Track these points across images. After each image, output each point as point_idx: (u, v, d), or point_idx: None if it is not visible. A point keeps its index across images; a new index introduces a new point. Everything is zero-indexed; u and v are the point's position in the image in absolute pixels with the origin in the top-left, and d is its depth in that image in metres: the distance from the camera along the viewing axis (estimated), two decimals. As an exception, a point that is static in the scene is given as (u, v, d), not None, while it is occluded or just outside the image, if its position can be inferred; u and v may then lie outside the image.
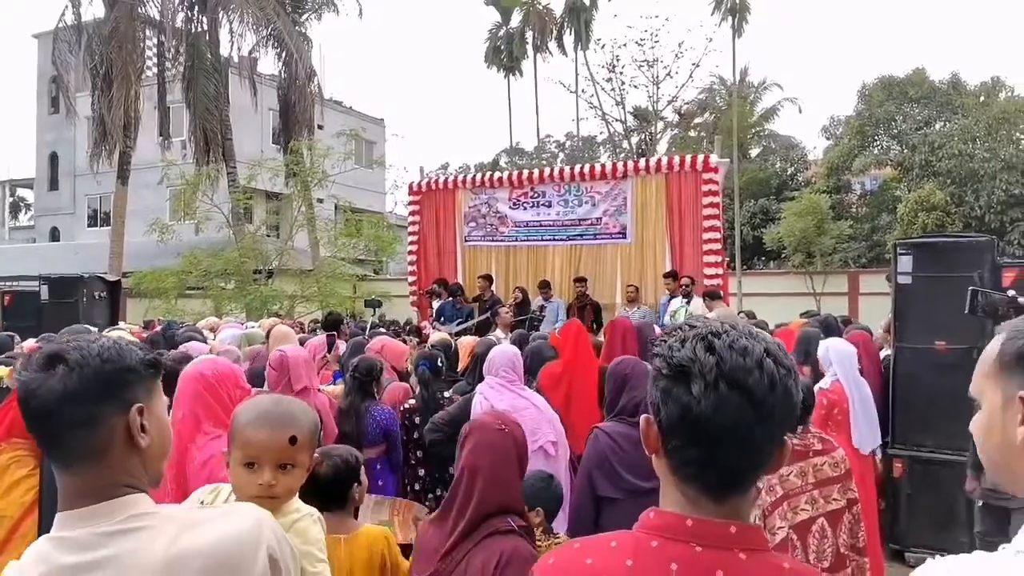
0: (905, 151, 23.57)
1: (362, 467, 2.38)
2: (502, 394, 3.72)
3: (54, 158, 30.01)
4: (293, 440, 1.72)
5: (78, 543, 1.11)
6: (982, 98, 23.69)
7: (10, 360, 4.23)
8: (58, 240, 29.22)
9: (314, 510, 1.82)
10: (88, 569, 1.09)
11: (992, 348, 1.06)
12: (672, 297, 9.47)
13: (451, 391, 4.50)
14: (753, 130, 31.86)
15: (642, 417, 1.09)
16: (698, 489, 1.05)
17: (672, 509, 1.06)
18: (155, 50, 20.70)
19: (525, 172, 12.23)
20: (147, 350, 1.27)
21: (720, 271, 10.32)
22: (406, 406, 4.30)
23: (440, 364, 4.51)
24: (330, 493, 2.22)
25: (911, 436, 5.56)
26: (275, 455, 1.70)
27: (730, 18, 26.23)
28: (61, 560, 1.10)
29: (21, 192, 39.13)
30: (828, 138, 27.67)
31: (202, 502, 1.82)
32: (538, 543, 2.40)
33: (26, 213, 39.28)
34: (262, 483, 1.68)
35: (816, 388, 4.47)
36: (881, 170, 24.82)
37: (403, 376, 4.96)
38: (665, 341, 1.07)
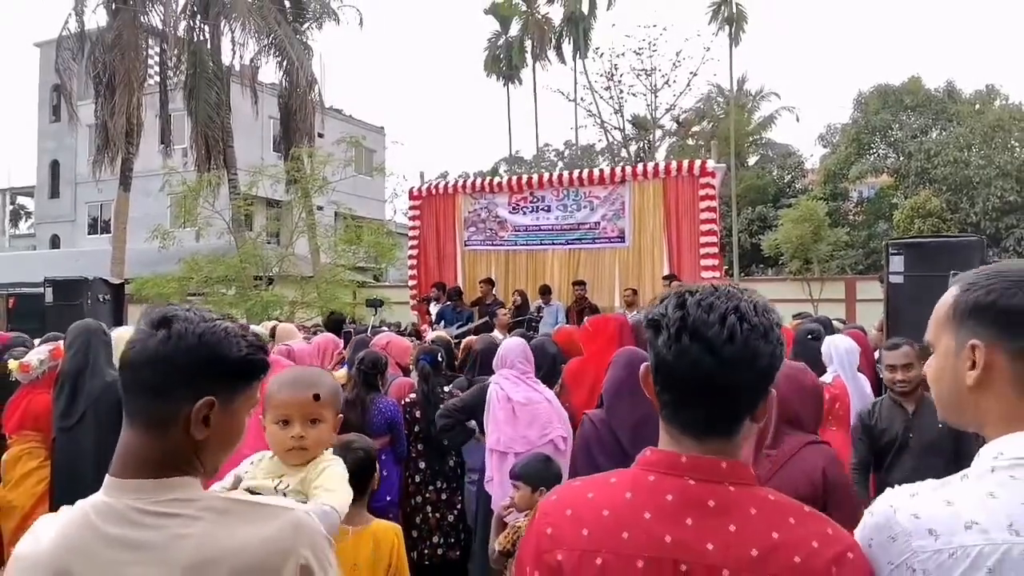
0: (901, 159, 23.77)
1: (375, 462, 2.50)
2: (518, 385, 3.77)
3: (55, 166, 30.13)
4: (317, 397, 1.95)
5: (121, 515, 1.14)
6: (977, 106, 23.93)
7: (19, 354, 4.32)
8: (58, 247, 29.29)
9: (340, 460, 2.03)
10: (125, 545, 1.12)
11: (947, 298, 1.15)
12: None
13: (450, 387, 4.59)
14: (751, 138, 32.08)
15: (643, 366, 1.20)
16: (679, 429, 1.15)
17: (666, 448, 1.16)
18: (157, 58, 20.87)
19: (524, 177, 12.37)
20: (256, 351, 1.24)
21: (717, 275, 10.43)
22: (407, 400, 4.38)
23: (440, 359, 4.60)
24: (355, 486, 2.25)
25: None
26: (302, 410, 1.94)
27: (727, 27, 26.48)
28: (103, 528, 1.13)
29: (22, 200, 39.25)
30: (825, 146, 27.89)
31: (251, 462, 2.02)
32: None
33: (27, 221, 39.39)
34: (293, 435, 1.92)
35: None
36: (877, 178, 25.00)
37: (407, 372, 5.05)
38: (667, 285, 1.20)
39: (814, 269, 20.55)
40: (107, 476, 1.19)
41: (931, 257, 5.75)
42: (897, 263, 5.82)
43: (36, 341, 4.79)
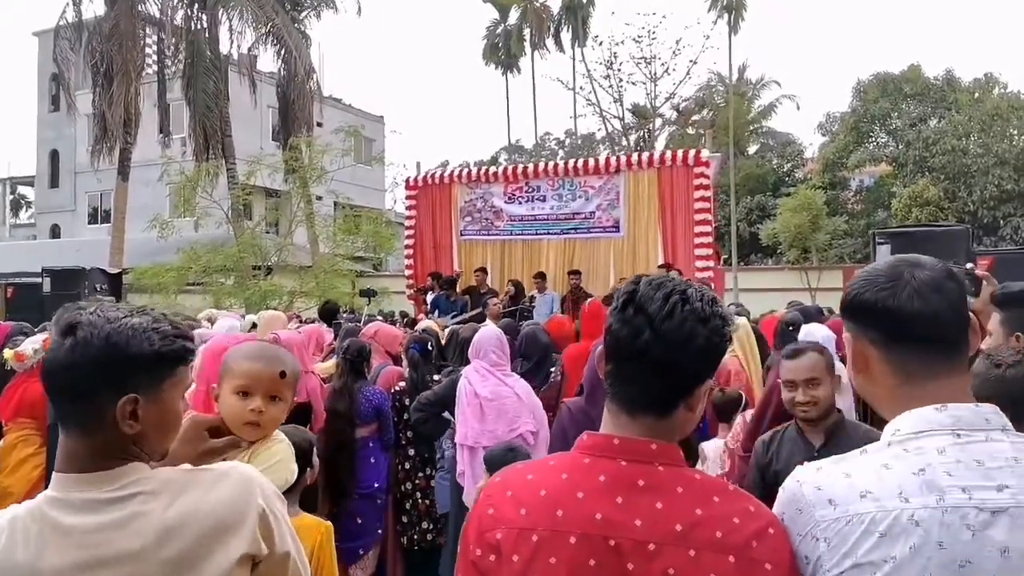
0: (900, 147, 23.74)
1: (314, 450, 2.39)
2: (486, 379, 3.79)
3: (55, 155, 30.16)
4: (283, 374, 1.90)
5: (77, 506, 1.17)
6: (976, 94, 23.86)
7: (15, 343, 4.40)
8: (59, 237, 29.35)
9: (288, 441, 1.99)
10: (92, 531, 1.15)
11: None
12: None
13: (440, 375, 4.65)
14: (751, 127, 32.00)
15: (597, 349, 1.28)
16: (617, 404, 1.21)
17: (605, 427, 1.23)
18: (155, 47, 20.86)
19: (520, 167, 12.39)
20: (171, 341, 1.25)
21: (712, 264, 10.47)
22: (396, 388, 4.44)
23: (430, 348, 4.66)
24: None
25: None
26: (267, 385, 1.88)
27: (726, 15, 26.37)
28: (61, 520, 1.16)
29: (22, 190, 39.28)
30: (824, 135, 27.83)
31: None
32: None
33: (27, 211, 39.44)
34: (253, 408, 1.85)
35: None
36: (876, 166, 24.97)
37: (397, 360, 5.11)
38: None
39: (812, 258, 20.59)
40: (54, 473, 1.22)
41: (918, 246, 5.81)
42: (884, 252, 5.91)
43: (36, 330, 4.87)
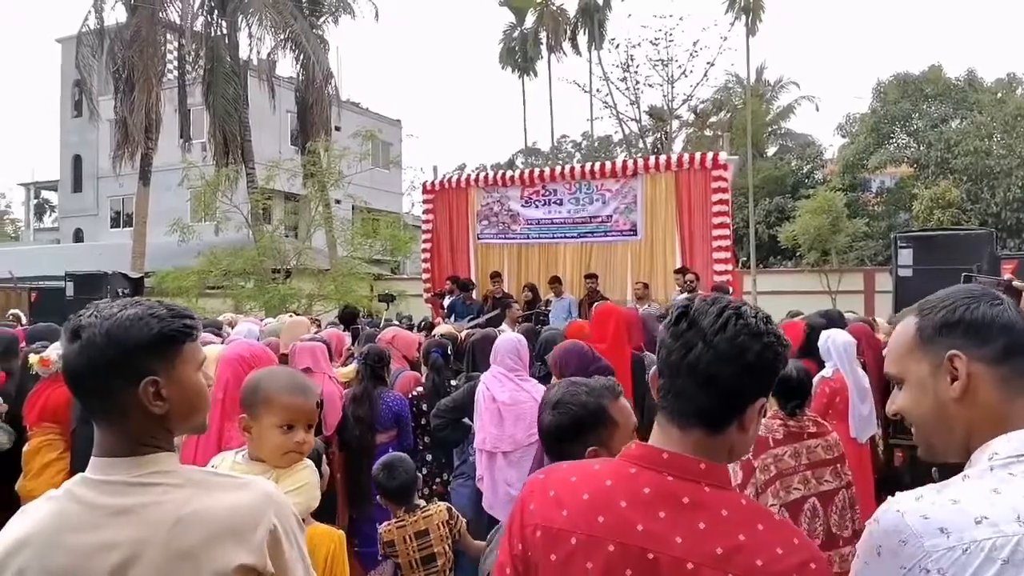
0: (921, 148, 23.46)
1: (323, 457, 2.44)
2: (504, 384, 3.80)
3: (77, 160, 30.55)
4: (319, 404, 2.03)
5: (106, 488, 1.24)
6: (999, 95, 23.52)
7: (41, 348, 4.46)
8: (82, 241, 29.72)
9: (313, 465, 2.05)
10: (112, 512, 1.22)
11: (907, 328, 1.21)
12: (682, 293, 9.58)
13: (456, 380, 4.66)
14: (769, 128, 31.76)
15: (652, 369, 1.29)
16: (667, 418, 1.21)
17: (654, 441, 1.22)
18: (175, 54, 21.06)
19: (537, 170, 12.39)
20: (169, 322, 1.30)
21: (730, 267, 10.42)
22: (414, 393, 4.46)
23: (449, 353, 4.67)
24: None
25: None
26: (308, 417, 1.98)
27: (744, 17, 26.18)
28: (92, 500, 1.24)
29: (46, 194, 39.78)
30: (844, 136, 27.56)
31: (213, 467, 1.99)
32: None
33: (50, 215, 39.94)
34: (299, 441, 1.94)
35: (818, 377, 4.59)
36: (897, 168, 24.69)
37: (414, 366, 5.13)
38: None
39: (832, 260, 20.38)
40: (91, 458, 1.30)
41: (940, 250, 5.76)
42: (906, 256, 5.85)
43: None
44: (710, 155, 10.84)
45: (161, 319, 1.30)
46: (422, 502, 3.15)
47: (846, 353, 4.59)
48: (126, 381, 1.26)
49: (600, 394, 1.84)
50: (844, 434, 4.12)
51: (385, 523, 3.10)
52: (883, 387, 5.66)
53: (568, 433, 1.79)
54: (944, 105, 23.73)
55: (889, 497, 1.12)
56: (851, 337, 4.81)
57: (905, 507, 1.07)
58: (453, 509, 3.19)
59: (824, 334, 4.79)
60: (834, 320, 6.25)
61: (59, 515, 1.25)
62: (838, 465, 3.38)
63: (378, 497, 3.16)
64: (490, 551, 1.86)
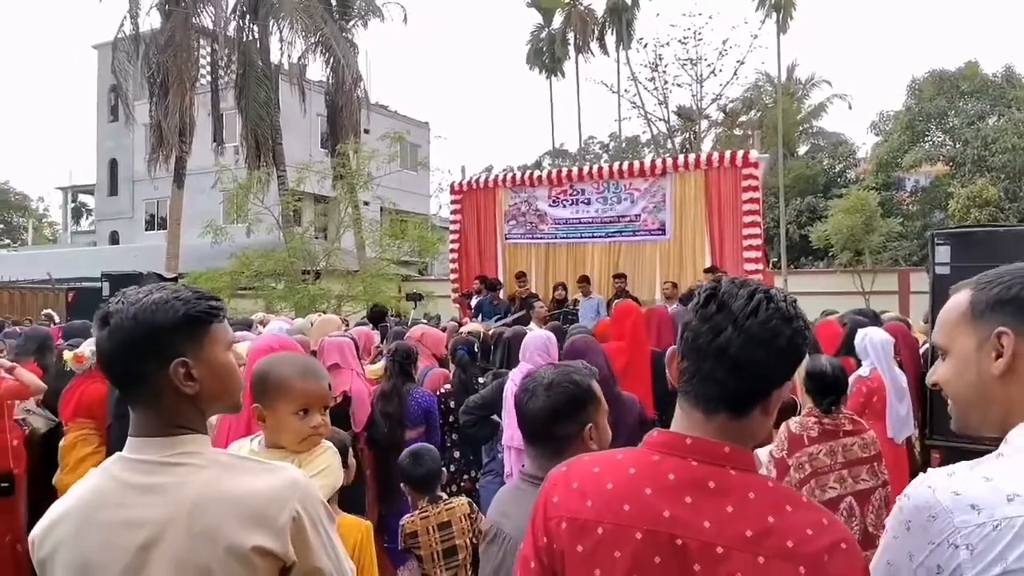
0: (957, 146, 23.01)
1: (350, 450, 2.45)
2: None
3: (114, 164, 31.18)
4: (330, 386, 2.02)
5: (138, 467, 1.28)
6: (1038, 90, 22.96)
7: (75, 344, 4.55)
8: (118, 243, 30.31)
9: (332, 446, 2.06)
10: (141, 491, 1.26)
11: (960, 300, 1.21)
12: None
13: (485, 377, 4.66)
14: (800, 127, 31.39)
15: (669, 350, 1.27)
16: (691, 402, 1.18)
17: (676, 426, 1.20)
18: (209, 58, 21.42)
19: (564, 170, 12.37)
20: (194, 303, 1.32)
21: (760, 267, 10.28)
22: (442, 390, 4.46)
23: (476, 350, 4.67)
24: None
25: (948, 427, 5.51)
26: (322, 400, 1.99)
27: (775, 14, 25.88)
28: (126, 478, 1.29)
29: (83, 198, 40.64)
30: (877, 134, 27.12)
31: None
32: None
33: (87, 218, 40.76)
34: (315, 425, 1.95)
35: (855, 376, 4.51)
36: (932, 166, 24.22)
37: (443, 363, 5.13)
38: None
39: (866, 261, 20.05)
40: (128, 438, 1.33)
41: (979, 248, 5.59)
42: (943, 254, 5.69)
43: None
44: (740, 153, 10.72)
45: (187, 301, 1.32)
46: (444, 495, 3.17)
47: (883, 352, 4.51)
48: (156, 363, 1.28)
49: (584, 373, 1.90)
50: (881, 434, 4.03)
51: (408, 515, 3.12)
52: (920, 387, 5.55)
53: (564, 413, 1.80)
54: (981, 102, 23.25)
55: (921, 474, 1.12)
56: (888, 336, 4.71)
57: (937, 483, 1.07)
58: (474, 504, 3.22)
59: (861, 332, 4.71)
60: (870, 319, 6.15)
61: (95, 492, 1.30)
62: (875, 464, 3.31)
63: (403, 486, 3.18)
64: (488, 544, 1.84)
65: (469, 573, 3.05)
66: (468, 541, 3.04)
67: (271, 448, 1.96)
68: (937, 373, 1.23)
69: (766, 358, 1.13)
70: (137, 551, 1.24)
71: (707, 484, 1.12)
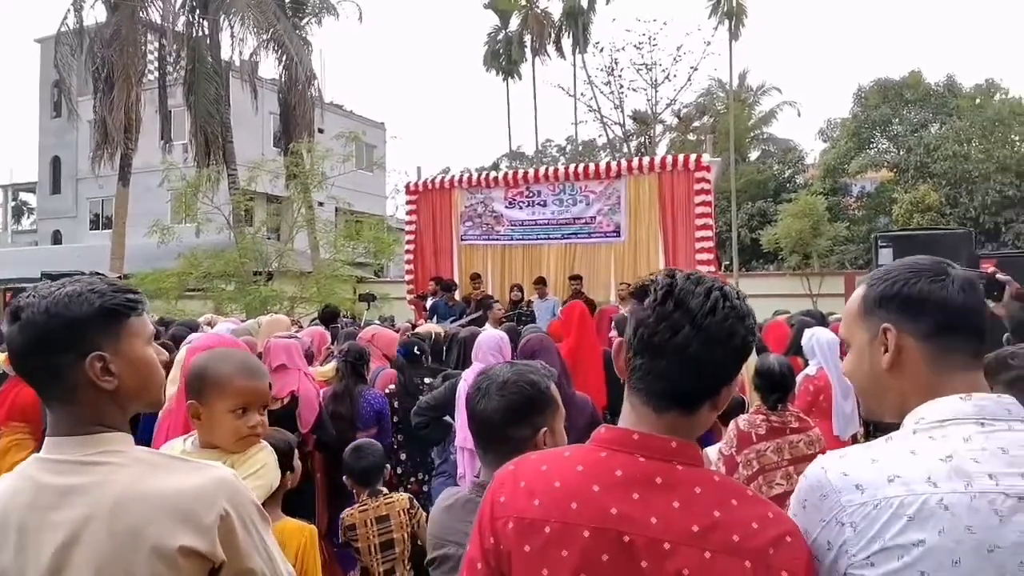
0: (901, 153, 23.74)
1: (295, 453, 2.42)
2: None
3: (56, 162, 30.20)
4: (270, 386, 1.98)
5: (57, 468, 1.23)
6: (978, 100, 23.84)
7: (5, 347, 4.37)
8: (60, 243, 29.38)
9: (269, 446, 2.01)
10: (59, 492, 1.21)
11: (856, 296, 1.27)
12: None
13: (436, 379, 4.61)
14: (751, 133, 32.04)
15: (616, 341, 1.24)
16: (643, 400, 1.17)
17: (624, 422, 1.19)
18: (156, 54, 20.90)
19: (520, 171, 12.39)
20: (110, 296, 1.28)
21: (712, 269, 10.43)
22: (387, 390, 4.41)
23: (417, 352, 4.62)
24: None
25: (890, 426, 5.67)
26: (262, 399, 1.93)
27: (727, 22, 26.39)
28: (42, 479, 1.23)
29: (24, 196, 39.32)
30: (825, 141, 27.83)
31: None
32: None
33: (29, 217, 39.46)
34: (253, 425, 1.89)
35: (802, 375, 4.60)
36: (877, 172, 24.96)
37: (394, 364, 5.07)
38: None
39: (813, 264, 20.53)
40: (45, 438, 1.27)
41: (920, 250, 5.71)
42: (886, 255, 5.89)
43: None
44: (693, 157, 10.88)
45: (102, 294, 1.27)
46: (385, 490, 3.19)
47: (830, 351, 4.60)
48: (71, 357, 1.23)
49: (543, 374, 1.83)
50: (827, 432, 4.12)
51: (348, 508, 3.13)
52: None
53: (517, 415, 1.73)
54: (924, 110, 24.03)
55: (819, 455, 1.19)
56: (835, 335, 4.81)
57: (829, 465, 1.13)
58: (415, 500, 3.23)
59: (808, 332, 4.80)
60: (817, 320, 6.29)
61: (10, 494, 1.24)
62: (821, 460, 3.37)
63: (345, 479, 3.20)
64: (439, 566, 1.78)
65: (406, 567, 3.07)
66: (405, 535, 3.07)
67: (205, 448, 1.90)
68: (844, 365, 1.31)
69: (723, 357, 1.14)
70: (55, 553, 1.19)
71: (654, 480, 1.12)
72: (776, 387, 3.34)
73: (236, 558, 1.24)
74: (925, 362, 1.17)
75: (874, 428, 5.74)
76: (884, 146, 24.89)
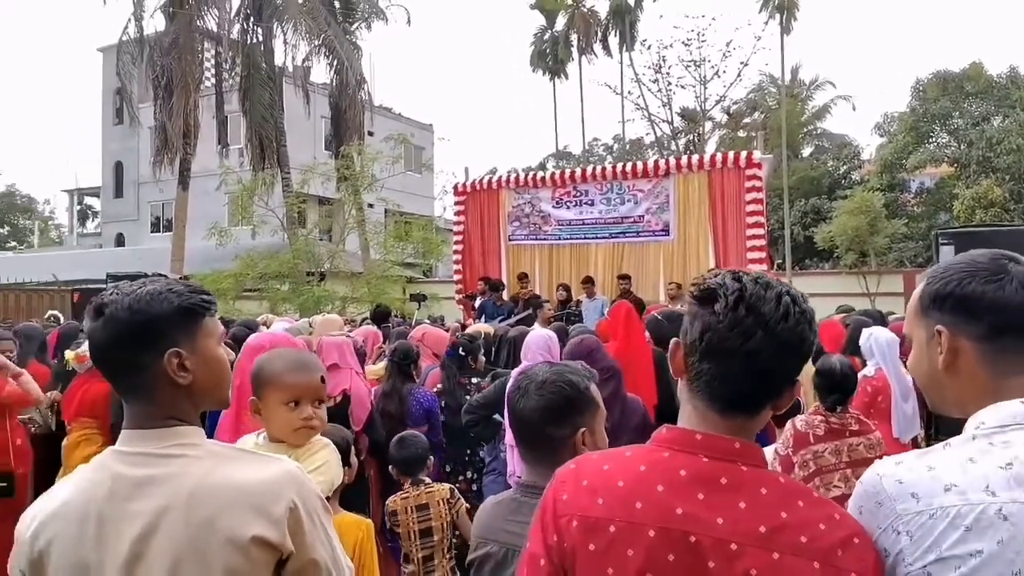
0: (962, 147, 22.95)
1: (352, 448, 2.50)
2: None
3: (119, 167, 31.27)
4: (323, 379, 2.03)
5: (134, 460, 1.28)
6: (1043, 91, 22.89)
7: (77, 344, 4.55)
8: (123, 246, 30.39)
9: (331, 442, 2.08)
10: (137, 483, 1.26)
11: (916, 293, 1.24)
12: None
13: (485, 379, 4.63)
14: (804, 129, 31.35)
15: (672, 341, 1.24)
16: (706, 402, 1.17)
17: (686, 423, 1.20)
18: (213, 61, 21.45)
19: (568, 171, 12.37)
20: (188, 296, 1.34)
21: (765, 268, 10.26)
22: (435, 389, 4.46)
23: (462, 353, 4.65)
24: None
25: (954, 427, 5.50)
26: (314, 393, 1.99)
27: (778, 15, 25.87)
28: (120, 471, 1.28)
29: (89, 200, 40.74)
30: (882, 135, 27.06)
31: None
32: None
33: (93, 220, 40.88)
34: (305, 417, 1.95)
35: (860, 376, 4.48)
36: (937, 167, 24.17)
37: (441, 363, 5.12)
38: (702, 276, 1.24)
39: (870, 262, 20.00)
40: (122, 430, 1.33)
41: (983, 247, 5.56)
42: (947, 253, 5.70)
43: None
44: (743, 154, 10.72)
45: (180, 294, 1.33)
46: (427, 479, 3.28)
47: (889, 351, 4.48)
48: (150, 353, 1.29)
49: (584, 375, 1.81)
50: (887, 434, 4.02)
51: (392, 495, 3.26)
52: (925, 387, 5.52)
53: (556, 415, 1.73)
54: (985, 103, 23.19)
55: (876, 460, 1.17)
56: (894, 335, 4.68)
57: (885, 471, 1.11)
58: (456, 491, 3.30)
59: (866, 332, 4.68)
60: (876, 319, 6.13)
61: (88, 486, 1.29)
62: (880, 464, 3.29)
63: (391, 469, 3.31)
64: (480, 565, 1.78)
65: (445, 555, 3.16)
66: (444, 524, 3.15)
67: (273, 442, 1.98)
68: (909, 360, 1.28)
69: (792, 362, 1.14)
70: (133, 543, 1.23)
71: (719, 480, 1.12)
72: (836, 388, 3.27)
73: (302, 549, 1.28)
74: (982, 365, 1.14)
75: (936, 431, 5.59)
76: (944, 140, 24.09)
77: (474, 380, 4.50)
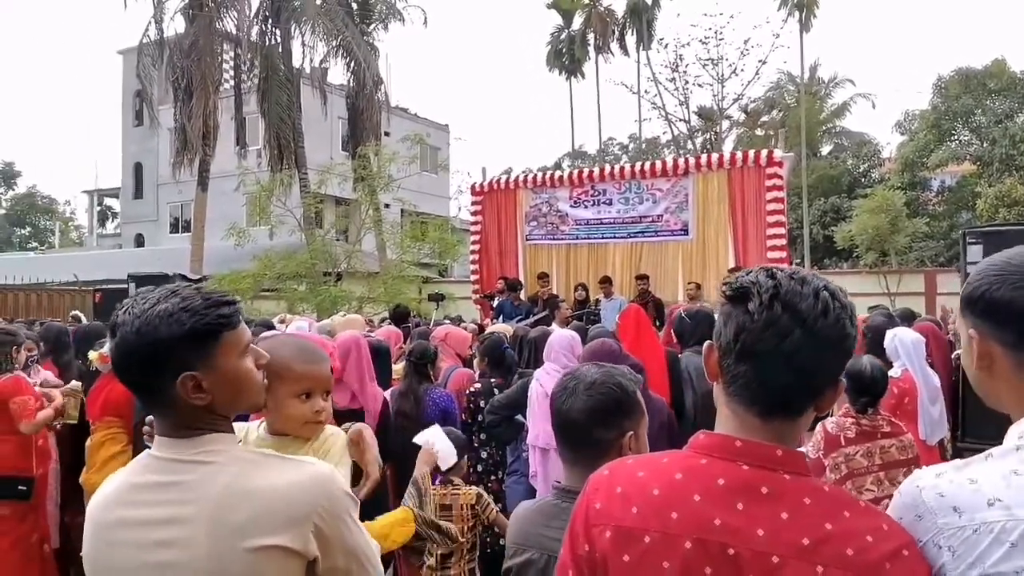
0: (984, 145, 22.64)
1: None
2: (556, 380, 3.78)
3: (139, 168, 31.57)
4: (332, 370, 1.99)
5: (162, 466, 1.28)
6: (1068, 88, 22.55)
7: (100, 344, 4.57)
8: (143, 246, 30.68)
9: (342, 432, 2.03)
10: (165, 488, 1.26)
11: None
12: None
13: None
14: (823, 127, 31.07)
15: (705, 344, 1.19)
16: (746, 406, 1.12)
17: (722, 431, 1.14)
18: (232, 63, 21.61)
19: (585, 170, 12.33)
20: (202, 315, 1.26)
21: (785, 267, 10.17)
22: (471, 390, 4.42)
23: (500, 352, 4.62)
24: None
25: (981, 429, 5.43)
26: (324, 384, 1.93)
27: (797, 13, 25.66)
28: (149, 477, 1.29)
29: (108, 201, 41.19)
30: (902, 133, 26.76)
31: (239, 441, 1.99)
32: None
33: (113, 221, 41.30)
34: (318, 410, 1.89)
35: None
36: (959, 165, 23.86)
37: (467, 363, 5.09)
38: (734, 274, 1.19)
39: (891, 261, 19.77)
40: (156, 436, 1.33)
41: (1011, 246, 5.49)
42: (975, 252, 5.62)
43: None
44: (764, 152, 10.64)
45: (194, 312, 1.26)
46: (456, 480, 3.22)
47: (915, 352, 4.41)
48: (161, 377, 1.25)
49: (631, 378, 1.78)
50: (913, 436, 3.94)
51: None
52: (952, 388, 5.44)
53: (604, 416, 1.69)
54: (1008, 100, 22.88)
55: (915, 470, 1.13)
56: (919, 335, 4.61)
57: (925, 483, 1.07)
58: (484, 496, 3.24)
59: (890, 333, 4.61)
60: (908, 319, 6.04)
61: (119, 491, 1.30)
62: (912, 467, 3.23)
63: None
64: (515, 552, 1.75)
65: (465, 556, 3.11)
66: (466, 528, 3.11)
67: (275, 435, 1.90)
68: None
69: (835, 360, 1.09)
70: (156, 548, 1.23)
71: (760, 489, 1.06)
72: (866, 390, 3.22)
73: (330, 553, 1.27)
74: (1015, 371, 1.09)
75: (963, 433, 5.51)
76: (966, 138, 23.79)
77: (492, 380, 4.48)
